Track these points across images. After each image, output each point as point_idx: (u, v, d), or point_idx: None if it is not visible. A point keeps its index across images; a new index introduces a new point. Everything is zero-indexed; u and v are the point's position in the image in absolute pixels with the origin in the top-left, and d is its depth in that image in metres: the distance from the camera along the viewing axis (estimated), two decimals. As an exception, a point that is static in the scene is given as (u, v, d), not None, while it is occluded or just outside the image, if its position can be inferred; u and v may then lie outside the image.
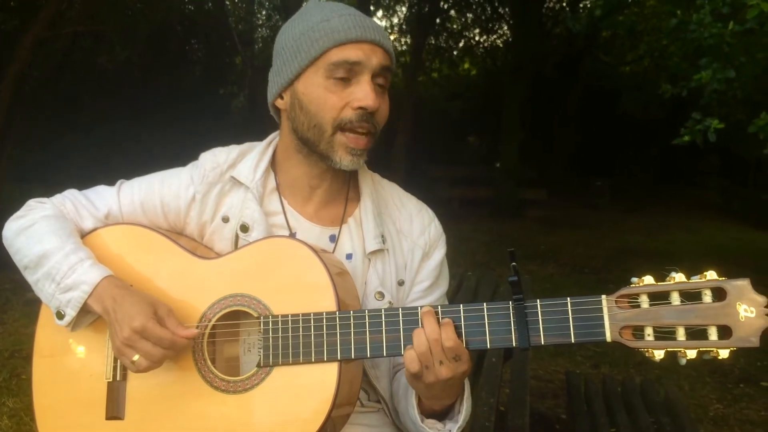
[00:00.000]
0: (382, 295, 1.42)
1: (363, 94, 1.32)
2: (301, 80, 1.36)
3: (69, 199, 1.50)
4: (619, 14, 5.27)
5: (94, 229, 1.48)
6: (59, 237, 1.38)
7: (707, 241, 10.71)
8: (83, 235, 1.47)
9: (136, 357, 1.26)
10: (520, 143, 13.08)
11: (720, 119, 3.79)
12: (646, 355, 1.12)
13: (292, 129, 1.41)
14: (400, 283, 1.46)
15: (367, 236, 1.45)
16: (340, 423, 1.33)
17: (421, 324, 1.21)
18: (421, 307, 1.23)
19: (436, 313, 1.22)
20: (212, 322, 1.34)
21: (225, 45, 14.88)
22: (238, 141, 1.56)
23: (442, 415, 1.35)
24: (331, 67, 1.32)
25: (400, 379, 1.45)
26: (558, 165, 15.96)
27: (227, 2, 14.89)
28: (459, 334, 1.20)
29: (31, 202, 1.50)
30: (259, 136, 1.54)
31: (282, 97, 1.42)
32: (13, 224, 1.45)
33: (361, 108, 1.32)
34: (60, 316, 1.33)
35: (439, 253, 1.51)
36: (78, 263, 1.33)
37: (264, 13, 16.83)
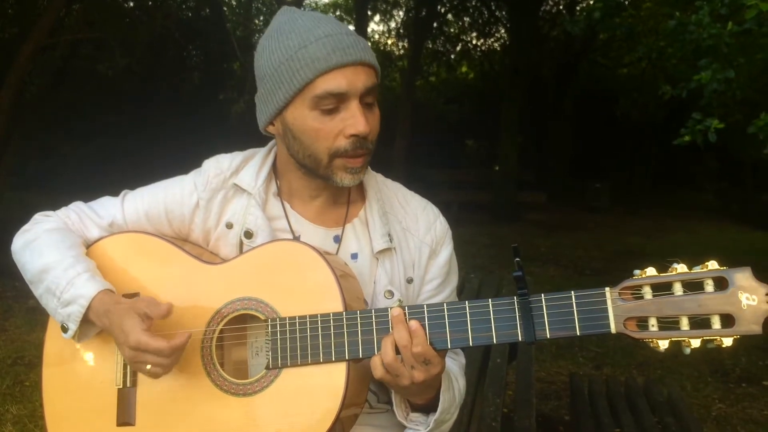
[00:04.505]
0: (391, 293, 1.42)
1: (353, 121, 1.29)
2: (288, 110, 1.33)
3: (74, 210, 1.52)
4: (617, 16, 5.26)
5: (100, 238, 1.49)
6: (59, 250, 1.39)
7: (706, 243, 10.71)
8: (89, 244, 1.48)
9: (149, 366, 1.27)
10: (519, 146, 13.09)
11: (719, 120, 3.80)
12: (651, 345, 1.13)
13: (289, 153, 1.40)
14: (409, 281, 1.46)
15: (374, 236, 1.45)
16: (349, 423, 1.34)
17: (391, 329, 1.22)
18: (391, 308, 1.24)
19: (405, 315, 1.22)
20: (220, 326, 1.35)
21: (223, 51, 14.89)
22: (238, 146, 1.55)
23: (427, 407, 1.35)
24: (317, 100, 1.28)
25: None
26: (557, 168, 15.96)
27: (225, 8, 14.92)
28: (443, 333, 1.21)
29: (37, 216, 1.51)
30: (259, 141, 1.54)
31: (273, 124, 1.41)
32: (19, 239, 1.48)
33: (353, 135, 1.30)
34: (64, 329, 1.35)
35: (447, 249, 1.51)
36: (76, 277, 1.34)
37: (262, 18, 16.81)
